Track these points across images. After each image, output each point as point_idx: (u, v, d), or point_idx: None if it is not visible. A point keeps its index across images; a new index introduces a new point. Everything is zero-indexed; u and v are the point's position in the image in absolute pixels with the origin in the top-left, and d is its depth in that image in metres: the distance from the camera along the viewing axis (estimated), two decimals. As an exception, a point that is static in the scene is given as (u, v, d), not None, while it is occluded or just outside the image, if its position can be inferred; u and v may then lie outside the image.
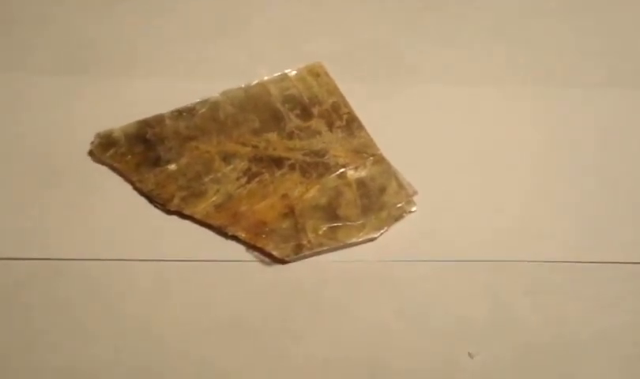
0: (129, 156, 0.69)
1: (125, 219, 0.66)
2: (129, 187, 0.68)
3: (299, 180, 0.68)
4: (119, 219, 0.66)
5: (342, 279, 0.64)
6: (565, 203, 0.69)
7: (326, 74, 0.75)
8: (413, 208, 0.68)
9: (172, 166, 0.69)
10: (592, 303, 0.63)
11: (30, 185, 0.67)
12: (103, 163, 0.69)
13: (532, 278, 0.64)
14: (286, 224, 0.66)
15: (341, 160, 0.70)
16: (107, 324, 0.60)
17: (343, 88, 0.74)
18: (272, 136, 0.71)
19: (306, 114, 0.73)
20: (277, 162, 0.69)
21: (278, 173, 0.69)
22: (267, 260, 0.64)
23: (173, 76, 0.75)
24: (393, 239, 0.66)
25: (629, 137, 0.74)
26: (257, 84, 0.74)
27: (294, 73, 0.75)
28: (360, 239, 0.66)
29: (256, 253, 0.65)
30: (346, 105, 0.73)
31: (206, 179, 0.68)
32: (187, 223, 0.66)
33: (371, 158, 0.70)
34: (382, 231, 0.66)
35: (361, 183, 0.69)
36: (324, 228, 0.66)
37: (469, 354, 0.60)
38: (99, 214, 0.66)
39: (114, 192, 0.67)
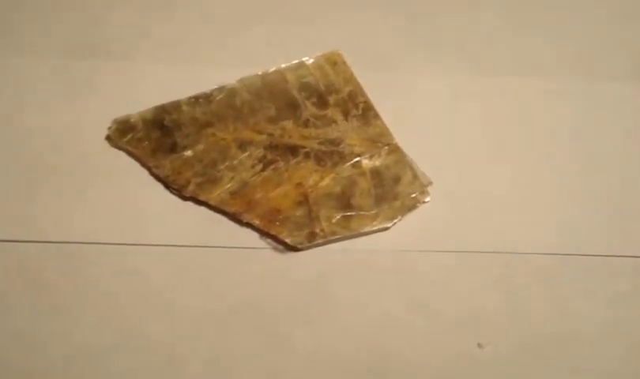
0: (146, 142, 0.69)
1: (141, 204, 0.66)
2: (145, 172, 0.68)
3: (314, 168, 0.69)
4: (135, 204, 0.66)
5: (354, 267, 0.64)
6: (579, 195, 0.69)
7: (343, 63, 0.75)
8: (427, 199, 0.68)
9: (188, 153, 0.69)
10: (604, 296, 0.64)
11: (47, 169, 0.67)
12: (120, 148, 0.69)
13: (545, 270, 0.65)
14: (300, 212, 0.66)
15: (356, 149, 0.70)
16: (121, 307, 0.61)
17: (360, 76, 0.74)
18: (288, 124, 0.71)
19: (322, 102, 0.73)
20: (292, 150, 0.70)
21: (293, 161, 0.69)
22: (280, 247, 0.65)
23: (190, 62, 0.75)
24: (406, 229, 0.66)
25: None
26: (275, 71, 0.74)
27: (311, 60, 0.75)
28: (373, 228, 0.66)
29: (269, 241, 0.65)
30: (362, 94, 0.73)
31: (222, 166, 0.68)
32: (202, 209, 0.67)
33: (386, 147, 0.70)
34: (395, 221, 0.66)
35: (375, 172, 0.69)
36: (337, 217, 0.66)
37: (479, 345, 0.60)
38: (115, 198, 0.66)
39: (131, 177, 0.68)
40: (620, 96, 0.76)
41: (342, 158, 0.69)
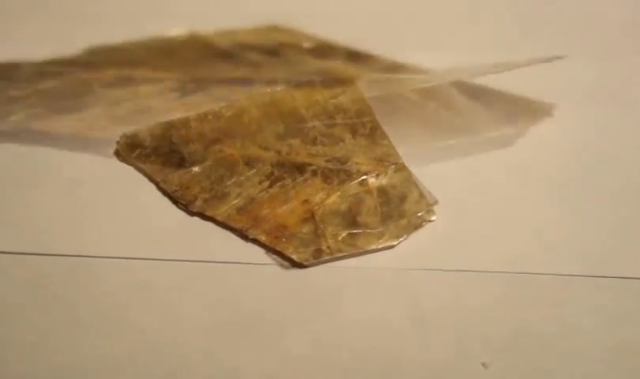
0: (154, 157, 0.70)
1: (148, 219, 0.67)
2: (153, 187, 0.69)
3: (321, 186, 0.69)
4: (142, 219, 0.67)
5: (359, 285, 0.64)
6: (585, 216, 0.69)
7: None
8: (433, 217, 0.68)
9: (196, 169, 0.70)
10: (609, 318, 0.63)
11: (56, 183, 0.68)
12: (128, 162, 0.70)
13: (551, 290, 0.65)
14: (306, 229, 0.66)
15: (363, 168, 0.70)
16: (126, 321, 0.61)
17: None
18: (296, 141, 0.72)
19: (330, 121, 0.73)
20: (300, 167, 0.70)
21: (300, 178, 0.69)
22: (286, 263, 0.65)
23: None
24: (411, 247, 0.66)
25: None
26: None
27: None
28: (379, 246, 0.66)
29: (275, 257, 0.65)
30: (370, 113, 0.74)
31: (229, 182, 0.69)
32: (209, 224, 0.67)
33: (393, 166, 0.71)
34: (400, 239, 0.67)
35: (382, 191, 0.69)
36: (343, 234, 0.66)
37: (483, 365, 0.60)
38: (122, 213, 0.67)
39: (139, 191, 0.68)
40: (635, 120, 0.76)
41: (349, 176, 0.70)
